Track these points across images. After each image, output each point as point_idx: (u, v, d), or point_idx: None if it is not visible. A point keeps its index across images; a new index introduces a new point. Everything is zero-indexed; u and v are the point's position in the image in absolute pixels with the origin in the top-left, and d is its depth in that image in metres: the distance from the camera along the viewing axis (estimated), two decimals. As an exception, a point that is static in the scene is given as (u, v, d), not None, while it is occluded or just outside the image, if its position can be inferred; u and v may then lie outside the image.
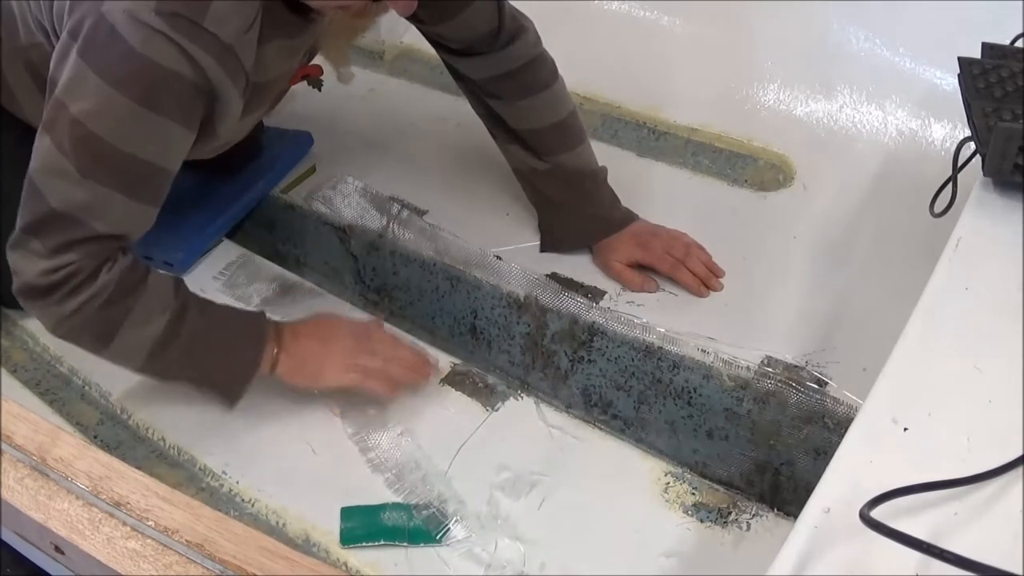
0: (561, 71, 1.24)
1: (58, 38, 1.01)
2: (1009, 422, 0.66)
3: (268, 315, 1.12)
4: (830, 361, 1.09)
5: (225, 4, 0.92)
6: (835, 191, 1.33)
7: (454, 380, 1.23)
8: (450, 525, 1.05)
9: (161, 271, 1.06)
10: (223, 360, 1.08)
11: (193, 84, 0.93)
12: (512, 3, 1.20)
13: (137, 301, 1.01)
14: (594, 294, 1.21)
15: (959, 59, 0.94)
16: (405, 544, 1.04)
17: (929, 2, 1.37)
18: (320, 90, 1.58)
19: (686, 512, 1.07)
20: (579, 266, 1.25)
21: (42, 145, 0.96)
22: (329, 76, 1.58)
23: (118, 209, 0.98)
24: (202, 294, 1.11)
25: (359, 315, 1.32)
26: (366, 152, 1.50)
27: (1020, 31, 1.00)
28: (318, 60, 1.23)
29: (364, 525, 1.06)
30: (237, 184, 1.45)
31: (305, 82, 1.57)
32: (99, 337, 1.03)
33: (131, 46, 0.90)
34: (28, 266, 0.99)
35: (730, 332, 1.13)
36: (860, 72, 1.42)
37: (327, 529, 1.07)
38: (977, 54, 0.95)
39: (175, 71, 0.92)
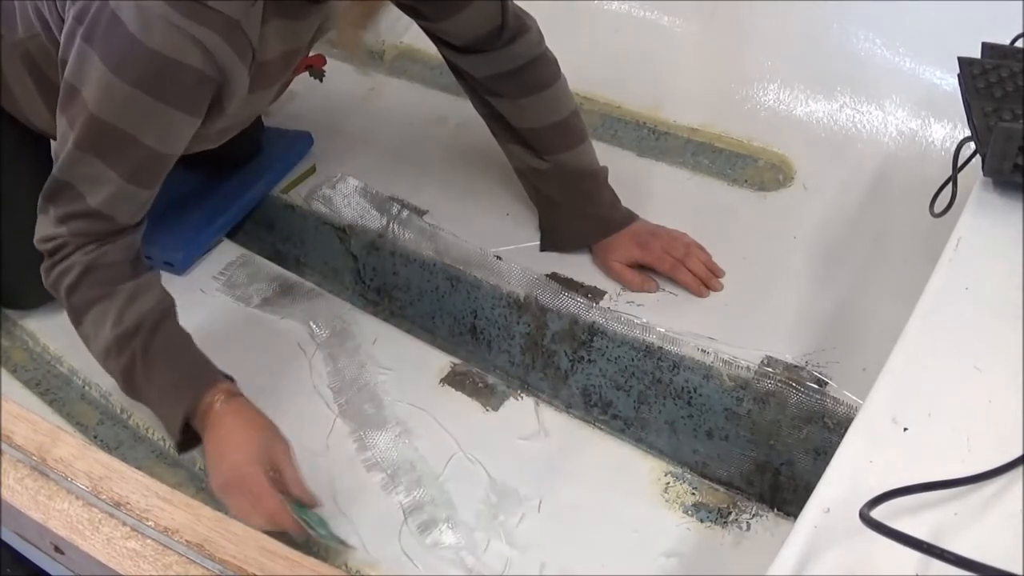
0: (561, 71, 1.24)
1: (61, 25, 1.01)
2: (1009, 422, 0.66)
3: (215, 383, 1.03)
4: (830, 361, 1.09)
5: None
6: (835, 191, 1.32)
7: (454, 380, 1.23)
8: (440, 529, 1.05)
9: (156, 291, 1.06)
10: (162, 397, 1.04)
11: (199, 73, 0.94)
12: (515, 2, 1.20)
13: (100, 300, 1.03)
14: (594, 294, 1.21)
15: (959, 59, 0.94)
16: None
17: (929, 2, 1.37)
18: (321, 80, 1.57)
19: (686, 512, 1.07)
20: (579, 266, 1.25)
21: (60, 121, 1.00)
22: (329, 78, 1.58)
23: (112, 187, 0.99)
24: (202, 294, 1.11)
25: (359, 315, 1.32)
26: (366, 152, 1.50)
27: (1020, 31, 1.00)
28: (325, 51, 1.22)
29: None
30: (237, 184, 1.45)
31: (307, 73, 1.57)
32: (72, 317, 1.06)
33: (132, 34, 0.91)
34: (38, 230, 1.05)
35: (730, 332, 1.13)
36: (860, 72, 1.42)
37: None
38: (977, 54, 0.95)
39: (179, 61, 0.92)
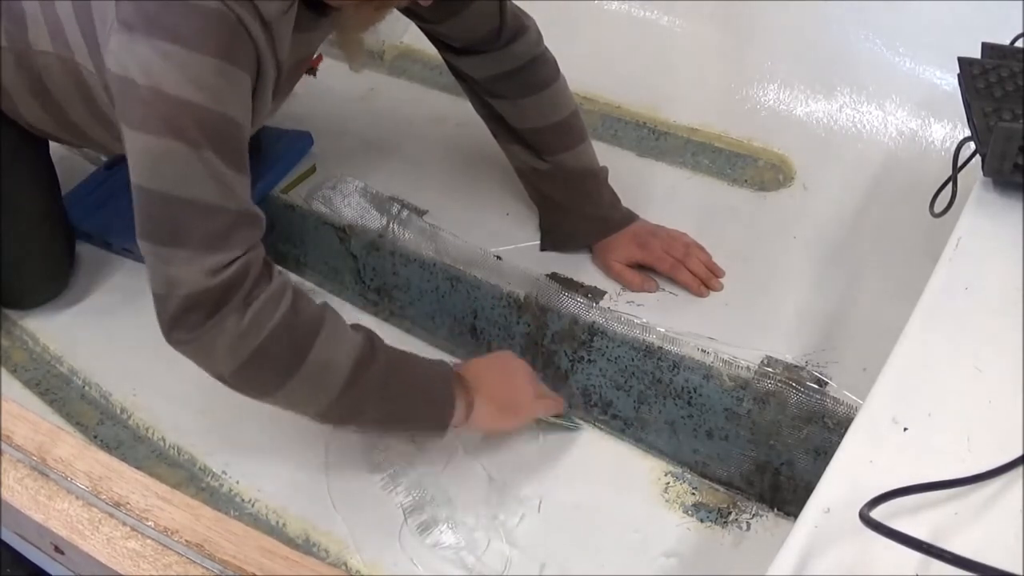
0: (561, 71, 1.24)
1: (85, 47, 0.99)
2: (1009, 422, 0.66)
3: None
4: (830, 361, 1.09)
5: None
6: (835, 191, 1.33)
7: (454, 380, 1.23)
8: (440, 529, 1.05)
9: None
10: (417, 412, 1.03)
11: (251, 41, 0.90)
12: (514, 2, 1.20)
13: (324, 313, 0.95)
14: (594, 294, 1.21)
15: (959, 59, 0.94)
16: None
17: (929, 2, 1.37)
18: (315, 76, 1.57)
19: (686, 512, 1.07)
20: (579, 266, 1.25)
21: (140, 146, 0.89)
22: (328, 77, 1.58)
23: (234, 179, 0.91)
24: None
25: (359, 315, 1.32)
26: (366, 152, 1.50)
27: (1020, 31, 1.00)
28: (325, 50, 1.22)
29: None
30: (237, 184, 1.45)
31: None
32: (291, 355, 0.92)
33: (187, 2, 0.86)
34: (181, 279, 0.88)
35: (730, 332, 1.13)
36: (860, 72, 1.42)
37: (327, 529, 1.07)
38: (977, 54, 0.95)
39: (235, 20, 0.88)
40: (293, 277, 1.36)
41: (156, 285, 0.91)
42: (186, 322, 0.90)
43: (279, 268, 0.97)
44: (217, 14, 0.87)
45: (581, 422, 1.17)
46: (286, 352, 0.93)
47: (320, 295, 1.35)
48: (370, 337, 1.00)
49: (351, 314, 1.31)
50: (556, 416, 1.14)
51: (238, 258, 0.89)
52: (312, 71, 1.57)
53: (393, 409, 1.01)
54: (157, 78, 0.87)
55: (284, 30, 0.95)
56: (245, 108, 0.93)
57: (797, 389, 1.06)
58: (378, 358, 0.98)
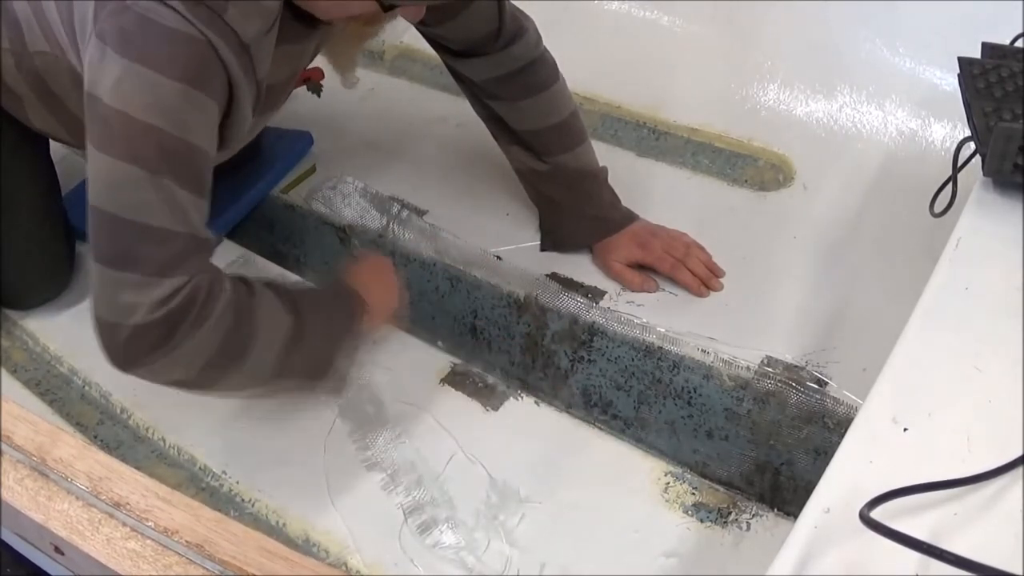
0: (561, 71, 1.24)
1: (73, 47, 0.99)
2: (1009, 422, 0.66)
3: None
4: (830, 361, 1.09)
5: (246, 3, 0.90)
6: (835, 191, 1.33)
7: (454, 380, 1.23)
8: (440, 529, 1.05)
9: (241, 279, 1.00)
10: (336, 341, 1.06)
11: (222, 67, 0.91)
12: (513, 3, 1.20)
13: (259, 307, 0.96)
14: (594, 294, 1.21)
15: (959, 59, 0.94)
16: None
17: (929, 2, 1.37)
18: (319, 96, 1.58)
19: (686, 512, 1.07)
20: (579, 266, 1.25)
21: (100, 167, 0.89)
22: (329, 75, 1.58)
23: (190, 205, 0.91)
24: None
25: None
26: (366, 152, 1.50)
27: (1020, 31, 1.00)
28: (322, 64, 1.23)
29: None
30: (237, 184, 1.45)
31: (305, 87, 1.57)
32: (230, 359, 0.94)
33: (165, 26, 0.87)
34: (131, 307, 0.88)
35: (730, 332, 1.13)
36: (860, 72, 1.42)
37: (327, 529, 1.07)
38: (977, 54, 0.95)
39: (208, 46, 0.88)
40: (292, 277, 1.37)
41: (104, 311, 0.90)
42: (137, 351, 0.90)
43: (226, 278, 0.96)
44: (189, 39, 0.88)
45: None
46: (231, 360, 0.95)
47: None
48: (289, 300, 1.00)
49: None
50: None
51: (186, 283, 0.89)
52: (317, 90, 1.57)
53: (324, 336, 1.04)
54: (123, 99, 0.88)
55: (264, 49, 0.95)
56: (210, 135, 0.93)
57: (797, 389, 1.06)
58: (303, 318, 1.00)
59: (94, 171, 0.90)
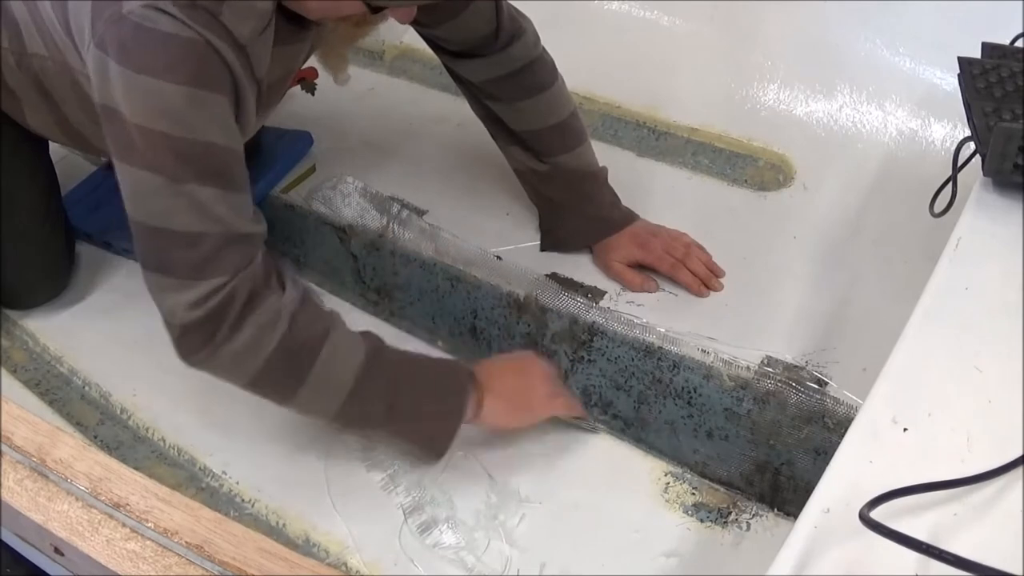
0: (561, 71, 1.24)
1: (73, 48, 0.99)
2: (1009, 422, 0.66)
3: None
4: (830, 361, 1.09)
5: (239, 4, 0.91)
6: (835, 191, 1.32)
7: (454, 380, 1.23)
8: (440, 529, 1.05)
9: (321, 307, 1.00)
10: (427, 409, 1.04)
11: (224, 64, 0.91)
12: (512, 3, 1.20)
13: (329, 327, 0.96)
14: (594, 294, 1.21)
15: (959, 59, 0.94)
16: None
17: (929, 2, 1.37)
18: (313, 94, 1.58)
19: (686, 512, 1.07)
20: (579, 266, 1.25)
21: (124, 178, 0.92)
22: (326, 77, 1.58)
23: (221, 204, 0.92)
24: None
25: (359, 315, 1.32)
26: (366, 152, 1.50)
27: (1020, 31, 1.00)
28: (315, 63, 1.23)
29: None
30: (237, 184, 1.45)
31: (299, 87, 1.57)
32: (291, 376, 0.95)
33: (162, 32, 0.87)
34: (173, 308, 0.92)
35: (730, 332, 1.13)
36: (860, 72, 1.42)
37: (327, 529, 1.07)
38: (977, 54, 0.95)
39: (207, 45, 0.89)
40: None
41: (161, 312, 0.95)
42: (188, 348, 0.95)
43: (287, 277, 0.98)
44: (187, 42, 0.88)
45: (601, 426, 1.17)
46: (284, 375, 0.97)
47: (320, 295, 1.35)
48: (376, 347, 1.01)
49: (351, 314, 1.31)
50: (576, 417, 1.15)
51: (225, 284, 0.91)
52: (311, 89, 1.57)
53: (400, 409, 1.03)
54: (132, 110, 0.89)
55: (262, 49, 0.95)
56: (226, 128, 0.93)
57: (797, 389, 1.05)
58: (383, 367, 1.00)
59: (121, 182, 0.93)
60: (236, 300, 0.92)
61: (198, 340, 0.93)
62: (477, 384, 1.05)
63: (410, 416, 1.04)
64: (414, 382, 1.03)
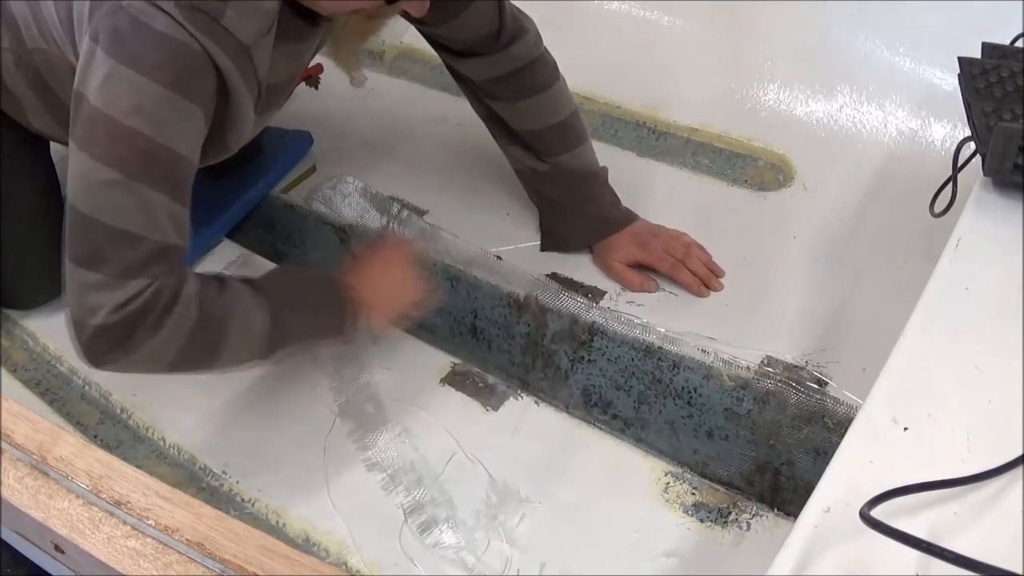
0: (561, 71, 1.24)
1: (71, 44, 0.99)
2: (1009, 422, 0.66)
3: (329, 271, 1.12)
4: (830, 361, 1.09)
5: (244, 4, 0.90)
6: (835, 191, 1.33)
7: (454, 380, 1.23)
8: (440, 529, 1.05)
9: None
10: (321, 326, 1.07)
11: (214, 73, 0.91)
12: (513, 3, 1.20)
13: (233, 305, 0.97)
14: (594, 294, 1.21)
15: (959, 59, 0.94)
16: None
17: (929, 2, 1.37)
18: (317, 88, 1.57)
19: (686, 512, 1.07)
20: (579, 266, 1.25)
21: (79, 165, 0.90)
22: (328, 77, 1.58)
23: (164, 212, 0.92)
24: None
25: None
26: (366, 152, 1.50)
27: (1020, 31, 1.00)
28: (324, 60, 1.23)
29: None
30: (237, 184, 1.45)
31: (304, 82, 1.57)
32: (207, 353, 0.96)
33: (156, 30, 0.87)
34: (94, 308, 0.89)
35: (730, 332, 1.13)
36: (860, 72, 1.42)
37: (327, 529, 1.07)
38: (977, 54, 0.95)
39: (199, 52, 0.89)
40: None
41: (74, 308, 0.92)
42: (99, 350, 0.92)
43: (182, 269, 0.96)
44: (180, 46, 0.88)
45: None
46: (201, 354, 0.96)
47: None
48: (266, 297, 1.01)
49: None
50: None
51: (148, 287, 0.90)
52: (315, 83, 1.57)
53: (306, 333, 1.05)
54: (107, 100, 0.88)
55: (264, 50, 0.95)
56: (193, 142, 0.93)
57: (797, 389, 1.06)
58: (282, 314, 1.01)
59: (73, 169, 0.91)
60: (159, 302, 0.91)
61: (112, 343, 0.91)
62: (353, 297, 1.07)
63: (313, 336, 1.07)
64: (311, 310, 1.06)
